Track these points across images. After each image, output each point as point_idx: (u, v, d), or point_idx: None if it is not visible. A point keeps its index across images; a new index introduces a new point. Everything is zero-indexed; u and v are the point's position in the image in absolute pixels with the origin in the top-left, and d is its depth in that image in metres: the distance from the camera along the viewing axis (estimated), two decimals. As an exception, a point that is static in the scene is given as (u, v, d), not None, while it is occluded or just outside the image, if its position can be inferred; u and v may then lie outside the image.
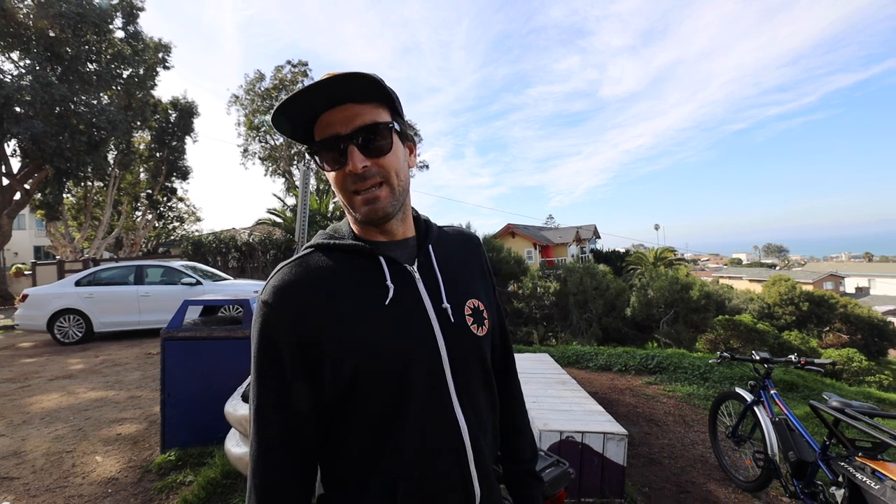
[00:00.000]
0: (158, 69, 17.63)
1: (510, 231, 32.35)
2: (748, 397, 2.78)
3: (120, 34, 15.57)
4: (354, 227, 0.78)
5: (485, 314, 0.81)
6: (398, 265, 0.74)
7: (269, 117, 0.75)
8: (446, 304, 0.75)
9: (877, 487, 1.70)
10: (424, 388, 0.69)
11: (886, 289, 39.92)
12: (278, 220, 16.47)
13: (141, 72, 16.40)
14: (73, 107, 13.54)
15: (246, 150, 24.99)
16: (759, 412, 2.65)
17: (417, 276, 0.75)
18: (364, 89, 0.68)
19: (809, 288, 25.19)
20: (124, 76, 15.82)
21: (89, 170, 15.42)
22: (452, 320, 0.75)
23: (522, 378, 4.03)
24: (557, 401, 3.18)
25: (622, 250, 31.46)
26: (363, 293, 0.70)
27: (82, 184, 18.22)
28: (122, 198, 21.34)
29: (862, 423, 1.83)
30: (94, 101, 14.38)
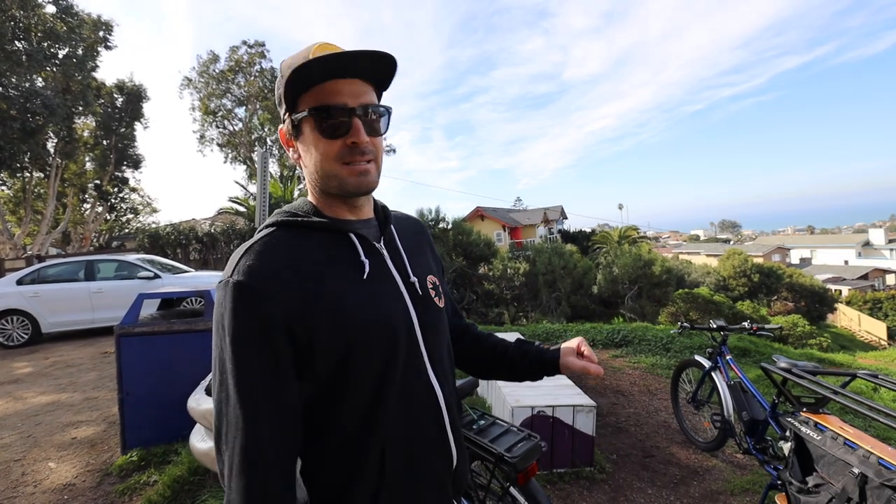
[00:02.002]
0: (99, 49, 16.26)
1: (479, 214, 32.52)
2: (706, 364, 2.93)
3: (51, 9, 14.22)
4: (319, 203, 0.78)
5: (441, 289, 0.88)
6: (367, 241, 0.76)
7: (284, 72, 0.69)
8: (413, 278, 0.79)
9: (818, 438, 1.83)
10: (405, 355, 0.73)
11: (826, 258, 43.13)
12: (241, 208, 15.81)
13: (79, 52, 15.08)
14: (1, 90, 12.34)
15: (202, 137, 23.67)
16: (717, 377, 2.81)
17: (385, 252, 0.79)
18: (376, 71, 0.72)
19: (760, 260, 26.82)
20: (59, 56, 14.52)
21: (26, 159, 14.19)
22: (420, 293, 0.79)
23: (494, 357, 4.07)
24: (528, 377, 3.25)
25: (588, 230, 32.29)
26: (341, 269, 0.71)
27: (19, 175, 16.79)
28: (67, 189, 19.83)
29: (807, 380, 1.96)
30: (27, 84, 13.16)
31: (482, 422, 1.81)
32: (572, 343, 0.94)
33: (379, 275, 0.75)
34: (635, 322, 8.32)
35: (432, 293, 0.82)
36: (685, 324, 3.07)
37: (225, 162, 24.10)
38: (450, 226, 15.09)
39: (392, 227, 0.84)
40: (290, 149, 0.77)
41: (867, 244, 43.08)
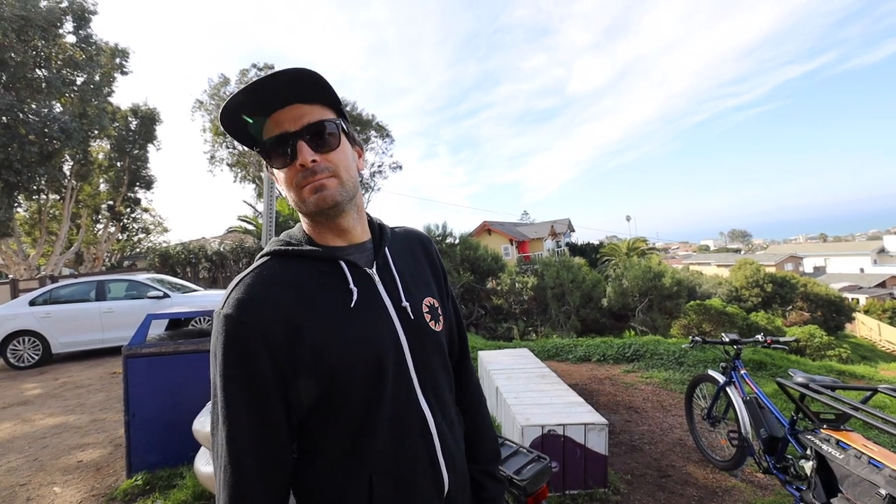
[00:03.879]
0: (116, 75, 16.84)
1: (486, 228, 32.53)
2: (720, 379, 2.85)
3: (71, 39, 14.77)
4: (310, 231, 0.79)
5: (440, 311, 0.86)
6: (358, 268, 0.77)
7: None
8: (405, 303, 0.79)
9: (840, 457, 1.76)
10: (392, 382, 0.73)
11: (840, 267, 42.28)
12: (250, 227, 16.01)
13: (96, 78, 15.61)
14: (21, 116, 12.76)
15: (213, 157, 24.17)
16: (732, 392, 2.72)
17: (377, 278, 0.78)
18: (310, 91, 0.72)
19: (772, 270, 26.35)
20: (78, 83, 15.03)
21: (43, 182, 14.55)
22: (412, 317, 0.79)
23: (504, 374, 4.01)
24: (538, 395, 3.19)
25: (596, 242, 32.11)
26: (329, 297, 0.72)
27: (35, 197, 17.23)
28: (81, 210, 20.27)
29: (825, 396, 1.89)
30: (45, 110, 13.60)
31: (490, 443, 1.76)
32: None
33: (368, 302, 0.75)
34: (647, 335, 8.18)
35: (427, 317, 0.81)
36: (697, 338, 3.00)
37: (234, 181, 24.52)
38: (457, 241, 15.12)
39: (387, 248, 0.83)
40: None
41: (882, 251, 42.24)
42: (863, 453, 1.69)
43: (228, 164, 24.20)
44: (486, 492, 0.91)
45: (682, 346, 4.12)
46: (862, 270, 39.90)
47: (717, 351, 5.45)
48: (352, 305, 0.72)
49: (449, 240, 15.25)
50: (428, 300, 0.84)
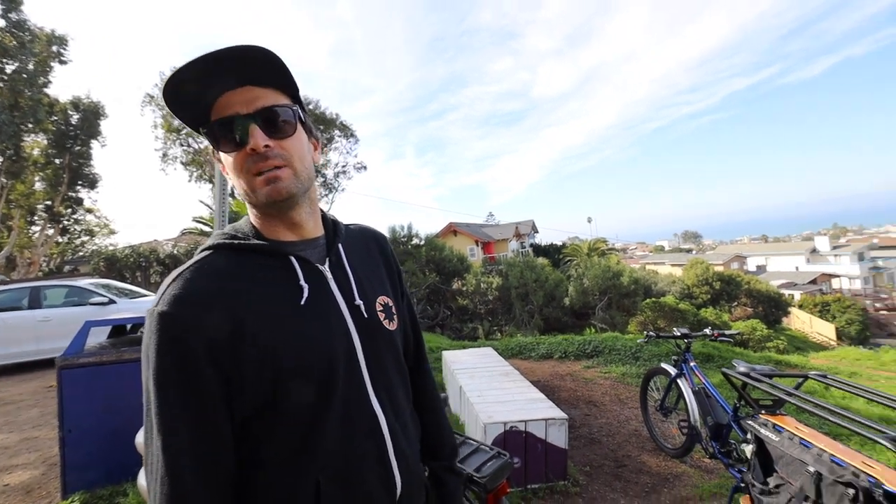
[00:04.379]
0: (53, 64, 15.56)
1: (452, 230, 32.67)
2: (672, 371, 3.00)
3: (0, 23, 13.56)
4: (259, 225, 0.75)
5: (394, 309, 0.84)
6: (310, 264, 0.74)
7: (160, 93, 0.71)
8: (359, 301, 0.77)
9: (776, 439, 1.89)
10: (343, 381, 0.70)
11: (779, 265, 45.66)
12: (206, 228, 15.29)
13: (30, 66, 14.38)
14: (-60, 107, 11.58)
15: (165, 155, 22.86)
16: (682, 384, 2.87)
17: (329, 275, 0.76)
18: (266, 74, 0.68)
19: (720, 269, 28.09)
20: (7, 71, 13.79)
21: (-34, 180, 13.26)
22: (366, 316, 0.77)
23: (467, 373, 4.02)
24: (501, 393, 3.22)
25: (559, 243, 33.01)
26: (278, 294, 0.69)
27: (-42, 196, 15.66)
28: (13, 211, 18.60)
29: (764, 383, 2.03)
30: (-31, 101, 12.40)
31: (450, 441, 1.75)
32: None
33: (319, 300, 0.72)
34: (606, 332, 8.48)
35: (381, 316, 0.80)
36: (651, 333, 3.14)
37: (189, 181, 23.33)
38: (423, 242, 15.09)
39: (341, 245, 0.81)
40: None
41: (814, 251, 46.00)
42: (795, 435, 1.82)
43: (183, 163, 22.93)
44: (446, 487, 0.94)
45: (638, 341, 4.29)
46: (797, 269, 43.28)
47: (670, 345, 5.73)
48: (302, 303, 0.69)
49: (415, 241, 15.20)
50: (382, 299, 0.82)
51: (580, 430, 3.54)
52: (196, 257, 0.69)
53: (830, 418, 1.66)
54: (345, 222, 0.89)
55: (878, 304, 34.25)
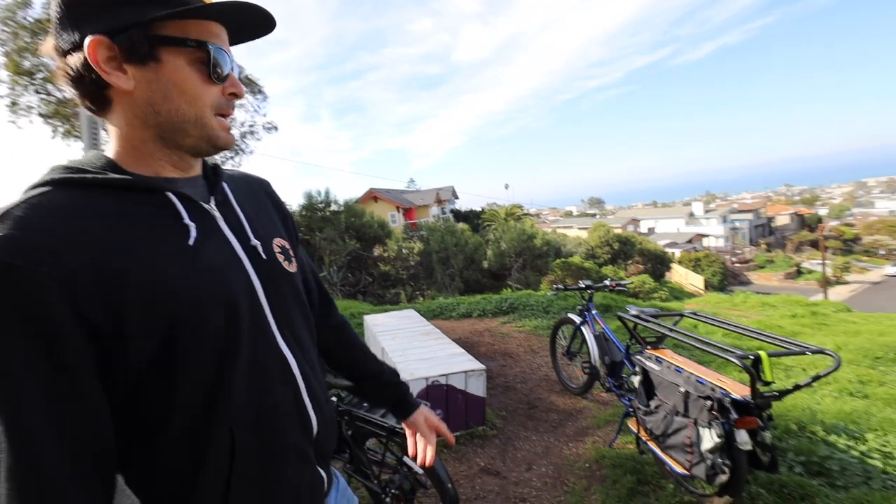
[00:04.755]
0: None
1: (373, 196, 31.86)
2: (577, 320, 3.31)
3: None
4: (128, 158, 0.63)
5: (291, 252, 0.80)
6: (192, 202, 0.65)
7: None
8: (255, 241, 0.71)
9: (657, 368, 2.20)
10: (249, 327, 0.65)
11: (665, 228, 52.23)
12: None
13: None
14: None
15: (15, 104, 18.65)
16: (585, 330, 3.19)
17: (217, 213, 0.68)
18: (248, 36, 0.70)
19: (619, 231, 31.34)
20: None
21: None
22: (264, 257, 0.71)
23: (389, 335, 4.02)
24: (423, 350, 3.31)
25: (478, 209, 34.01)
26: (158, 234, 0.59)
27: None
28: None
29: (651, 322, 2.33)
30: None
31: (373, 397, 1.76)
32: (429, 418, 0.99)
33: (210, 240, 0.64)
34: (521, 291, 9.07)
35: (280, 257, 0.75)
36: (559, 286, 3.41)
37: (54, 137, 19.44)
38: (342, 208, 14.51)
39: (225, 185, 0.74)
40: (116, 74, 0.57)
41: (691, 215, 53.28)
42: (671, 363, 2.14)
43: (42, 115, 18.96)
44: (403, 394, 0.99)
45: (548, 294, 4.63)
46: (678, 230, 49.87)
47: (576, 299, 6.33)
48: (190, 243, 0.61)
49: (333, 207, 14.55)
50: (278, 240, 0.77)
51: (497, 380, 3.79)
52: (24, 195, 0.55)
53: (697, 346, 1.96)
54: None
55: (733, 259, 41.14)
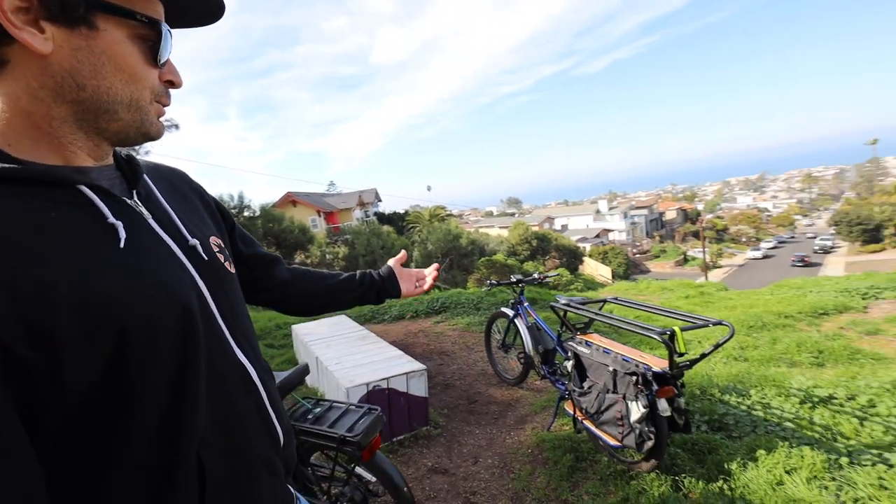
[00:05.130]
0: None
1: (291, 200, 30.20)
2: (510, 313, 3.44)
3: None
4: (14, 138, 0.49)
5: (227, 251, 0.74)
6: (112, 198, 0.55)
7: None
8: (193, 241, 0.63)
9: (588, 352, 2.37)
10: (204, 335, 0.57)
11: (576, 224, 56.75)
12: None
13: None
14: None
15: None
16: (518, 322, 3.33)
17: (144, 210, 0.59)
18: (190, 22, 0.63)
19: (536, 229, 33.30)
20: None
21: None
22: (205, 258, 0.64)
23: (323, 343, 3.83)
24: (360, 356, 3.20)
25: (402, 211, 33.88)
26: (79, 240, 0.48)
27: None
28: None
29: (580, 309, 2.50)
30: None
31: (318, 409, 1.67)
32: (396, 259, 1.10)
33: (142, 241, 0.55)
34: (450, 290, 9.21)
35: (220, 257, 0.68)
36: (492, 282, 3.52)
37: None
38: (257, 213, 13.51)
39: (146, 177, 0.64)
40: (29, 31, 0.46)
41: (598, 212, 58.56)
42: (599, 346, 2.32)
43: None
44: (350, 285, 1.02)
45: (481, 291, 4.74)
46: (587, 226, 54.46)
47: (506, 294, 6.59)
48: (121, 245, 0.51)
49: (247, 213, 13.49)
50: (214, 239, 0.69)
51: (436, 379, 3.81)
52: None
53: (623, 327, 2.15)
54: None
55: (634, 250, 46.02)
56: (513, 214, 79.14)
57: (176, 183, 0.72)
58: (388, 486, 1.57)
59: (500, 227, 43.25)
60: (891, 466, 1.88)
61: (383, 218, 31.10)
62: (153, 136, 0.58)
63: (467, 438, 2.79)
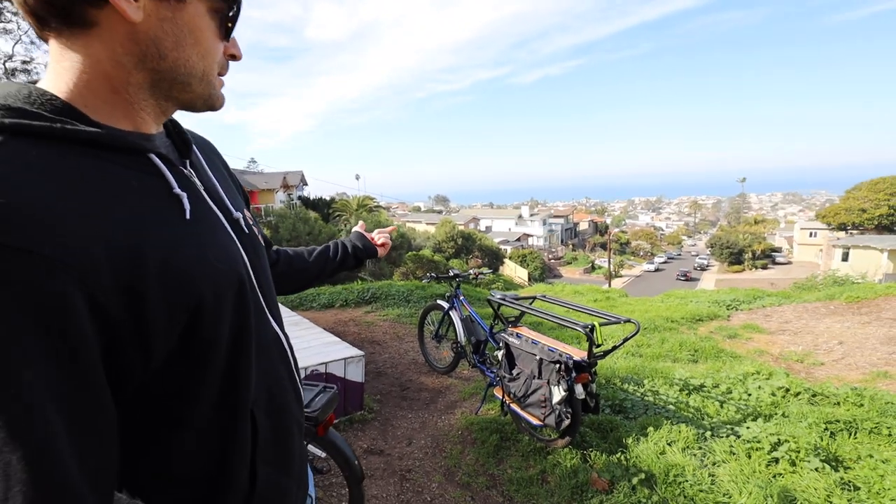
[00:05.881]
0: None
1: (204, 173, 27.46)
2: (446, 306, 3.63)
3: None
4: (91, 100, 0.49)
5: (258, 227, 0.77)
6: (174, 168, 0.56)
7: None
8: (237, 214, 0.65)
9: (518, 342, 2.64)
10: (252, 306, 0.60)
11: (499, 227, 59.34)
12: None
13: None
14: None
15: None
16: (453, 315, 3.53)
17: (196, 180, 0.60)
18: None
19: (462, 228, 34.18)
20: None
21: None
22: (246, 231, 0.67)
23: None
24: (296, 341, 3.13)
25: (328, 198, 32.62)
26: (154, 207, 0.50)
27: None
28: None
29: (513, 303, 2.76)
30: None
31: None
32: (358, 227, 1.23)
33: (202, 213, 0.57)
34: (378, 281, 9.20)
35: (255, 230, 0.72)
36: (432, 275, 3.68)
37: None
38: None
39: (195, 146, 0.66)
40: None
41: (520, 217, 61.84)
42: (528, 338, 2.59)
43: None
44: (328, 257, 1.11)
45: (423, 281, 4.85)
46: (510, 229, 57.22)
47: (434, 288, 6.79)
48: (187, 217, 0.53)
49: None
50: (247, 213, 0.72)
51: (369, 367, 3.86)
52: None
53: (553, 320, 2.44)
54: None
55: (550, 255, 49.43)
56: (440, 212, 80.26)
57: (210, 154, 0.73)
58: (339, 460, 1.64)
59: (428, 224, 43.66)
60: (739, 437, 2.39)
61: (308, 203, 29.66)
62: (217, 107, 0.60)
63: (401, 422, 2.92)
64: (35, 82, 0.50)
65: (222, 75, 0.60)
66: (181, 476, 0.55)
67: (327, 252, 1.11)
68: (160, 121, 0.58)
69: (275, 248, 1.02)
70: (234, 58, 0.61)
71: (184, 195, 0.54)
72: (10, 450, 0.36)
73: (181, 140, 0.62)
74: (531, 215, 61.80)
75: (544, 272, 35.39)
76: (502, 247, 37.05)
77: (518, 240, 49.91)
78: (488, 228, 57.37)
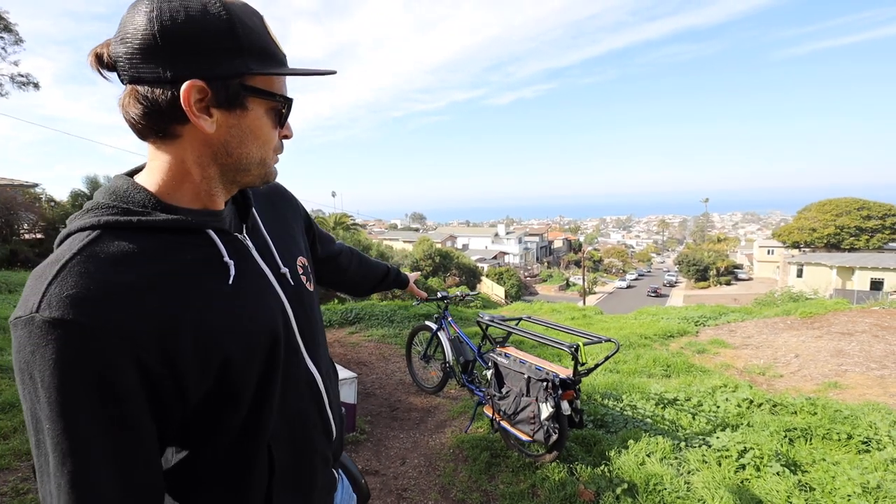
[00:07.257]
0: None
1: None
2: (434, 327, 3.74)
3: None
4: (169, 190, 0.62)
5: (310, 269, 0.86)
6: (229, 236, 0.67)
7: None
8: (284, 269, 0.75)
9: (506, 362, 2.78)
10: (284, 352, 0.70)
11: (476, 245, 59.97)
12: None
13: None
14: None
15: None
16: (441, 335, 3.64)
17: (249, 242, 0.71)
18: None
19: (440, 246, 34.39)
20: None
21: None
22: (292, 284, 0.76)
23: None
24: (288, 364, 3.20)
25: (306, 216, 32.21)
26: (200, 277, 0.61)
27: None
28: None
29: (501, 324, 2.92)
30: None
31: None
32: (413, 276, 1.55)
33: (247, 273, 0.67)
34: (357, 302, 9.19)
35: (304, 279, 0.80)
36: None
37: None
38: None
39: (253, 209, 0.75)
40: (203, 117, 0.58)
41: (497, 235, 62.78)
42: (516, 357, 2.74)
43: None
44: (386, 277, 1.37)
45: (414, 303, 4.94)
46: (486, 247, 57.90)
47: (417, 308, 6.88)
48: (230, 283, 0.64)
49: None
50: (300, 260, 0.81)
51: (357, 388, 3.91)
52: (77, 242, 0.54)
53: (539, 341, 2.60)
54: None
55: (526, 273, 50.18)
56: (417, 230, 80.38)
57: (276, 202, 0.84)
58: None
59: (405, 241, 43.67)
60: (710, 446, 2.59)
61: (284, 221, 29.22)
62: (271, 181, 0.71)
63: (393, 442, 2.98)
64: (138, 170, 0.66)
65: (278, 153, 0.70)
66: (203, 496, 0.67)
67: (388, 269, 1.40)
68: (227, 197, 0.70)
69: (340, 248, 1.20)
70: (287, 137, 0.70)
71: (231, 262, 0.65)
72: (63, 488, 0.50)
73: (245, 204, 0.74)
74: (507, 233, 62.76)
75: (520, 290, 35.84)
76: (479, 265, 37.40)
77: (495, 258, 50.49)
78: (465, 246, 57.86)
